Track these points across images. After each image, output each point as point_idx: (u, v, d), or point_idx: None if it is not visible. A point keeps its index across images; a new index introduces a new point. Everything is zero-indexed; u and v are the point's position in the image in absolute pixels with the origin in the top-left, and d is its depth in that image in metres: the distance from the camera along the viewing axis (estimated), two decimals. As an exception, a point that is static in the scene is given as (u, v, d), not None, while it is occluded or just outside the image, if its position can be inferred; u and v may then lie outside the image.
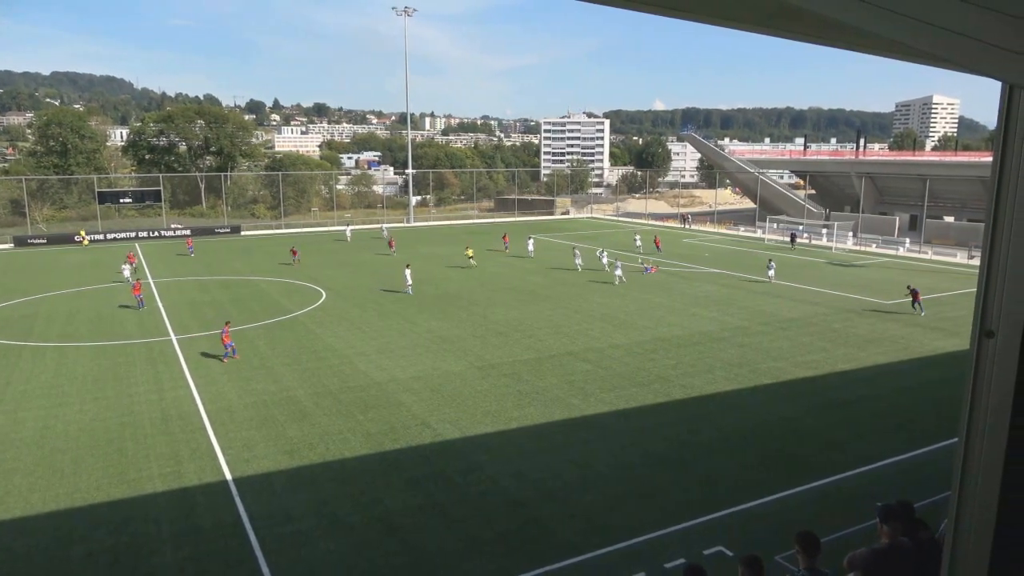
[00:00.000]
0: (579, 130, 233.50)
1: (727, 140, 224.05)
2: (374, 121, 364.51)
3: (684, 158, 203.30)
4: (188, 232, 67.49)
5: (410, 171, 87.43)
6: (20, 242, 61.77)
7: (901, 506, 7.25)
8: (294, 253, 49.85)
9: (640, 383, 23.04)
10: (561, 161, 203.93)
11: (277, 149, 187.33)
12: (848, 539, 11.76)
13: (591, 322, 31.49)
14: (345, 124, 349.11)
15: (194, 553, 13.30)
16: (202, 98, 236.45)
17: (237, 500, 15.25)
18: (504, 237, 58.50)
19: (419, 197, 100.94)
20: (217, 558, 13.15)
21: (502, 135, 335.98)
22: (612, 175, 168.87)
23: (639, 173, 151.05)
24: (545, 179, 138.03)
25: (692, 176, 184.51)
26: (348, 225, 72.90)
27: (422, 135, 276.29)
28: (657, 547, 13.36)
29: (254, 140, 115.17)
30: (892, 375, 24.21)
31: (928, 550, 6.73)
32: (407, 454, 17.69)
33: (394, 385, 22.87)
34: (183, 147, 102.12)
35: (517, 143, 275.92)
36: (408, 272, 38.20)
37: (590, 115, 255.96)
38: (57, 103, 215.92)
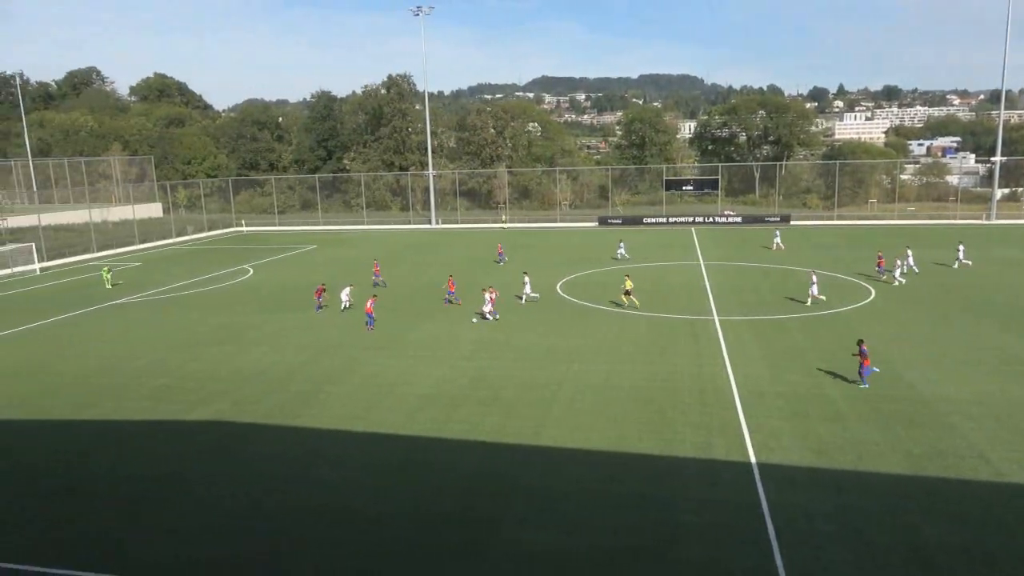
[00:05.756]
0: None
1: None
2: (956, 102, 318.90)
3: None
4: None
5: (997, 159, 73.90)
6: (602, 221, 73.88)
7: None
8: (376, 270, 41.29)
9: None
10: None
11: (836, 137, 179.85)
12: None
13: None
14: (918, 107, 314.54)
15: (714, 521, 14.07)
16: (765, 89, 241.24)
17: (759, 484, 15.49)
18: (879, 259, 39.18)
19: (1006, 190, 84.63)
20: (734, 532, 13.66)
21: None
22: None
23: None
24: None
25: None
26: (620, 242, 50.23)
27: (1019, 115, 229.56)
28: None
29: (813, 128, 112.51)
30: None
31: None
32: (955, 486, 15.33)
33: (945, 404, 19.97)
34: (743, 137, 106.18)
35: None
36: None
37: None
38: (640, 102, 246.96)
